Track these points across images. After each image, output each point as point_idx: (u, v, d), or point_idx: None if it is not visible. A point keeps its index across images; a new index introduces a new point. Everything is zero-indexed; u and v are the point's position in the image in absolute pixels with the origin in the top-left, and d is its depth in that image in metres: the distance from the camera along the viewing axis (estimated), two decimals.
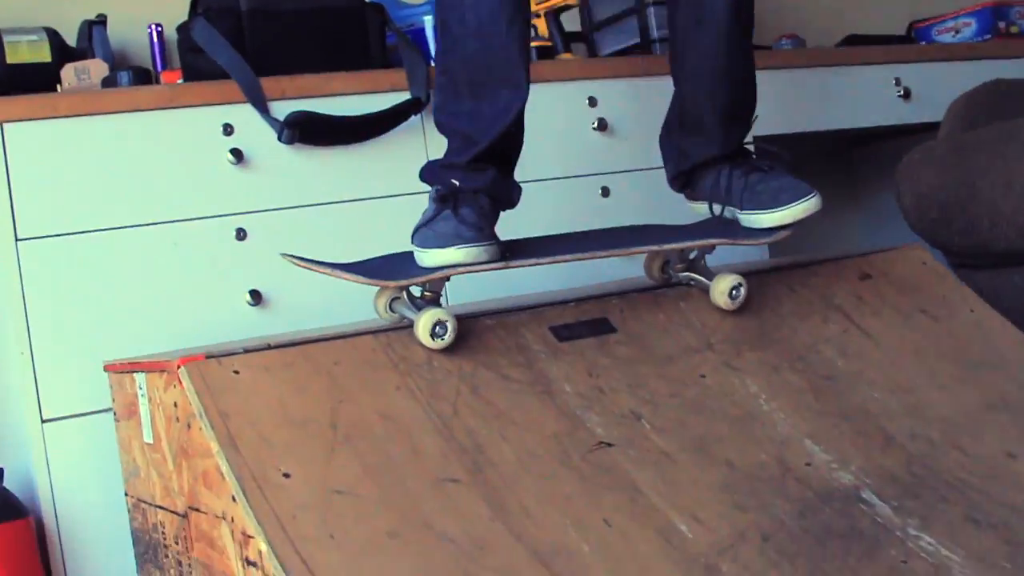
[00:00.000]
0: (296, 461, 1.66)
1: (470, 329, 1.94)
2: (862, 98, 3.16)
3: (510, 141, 2.09)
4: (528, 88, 2.06)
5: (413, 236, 1.98)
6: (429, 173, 2.10)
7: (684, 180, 2.29)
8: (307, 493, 1.62)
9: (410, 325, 1.91)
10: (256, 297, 2.38)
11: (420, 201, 2.07)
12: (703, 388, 1.98)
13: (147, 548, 2.07)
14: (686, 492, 1.77)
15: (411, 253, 1.98)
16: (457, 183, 2.00)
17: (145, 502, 2.03)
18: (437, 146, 2.15)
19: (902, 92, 3.20)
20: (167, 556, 1.96)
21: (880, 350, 2.15)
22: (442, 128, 2.11)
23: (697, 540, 1.69)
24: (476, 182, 2.02)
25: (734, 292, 2.11)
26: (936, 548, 1.74)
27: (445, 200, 1.98)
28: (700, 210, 2.28)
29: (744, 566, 1.66)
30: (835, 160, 3.78)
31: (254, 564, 1.59)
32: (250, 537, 1.59)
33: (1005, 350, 2.23)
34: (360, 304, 2.07)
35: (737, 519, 1.74)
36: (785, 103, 2.99)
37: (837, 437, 1.94)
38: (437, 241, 1.93)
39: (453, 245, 1.92)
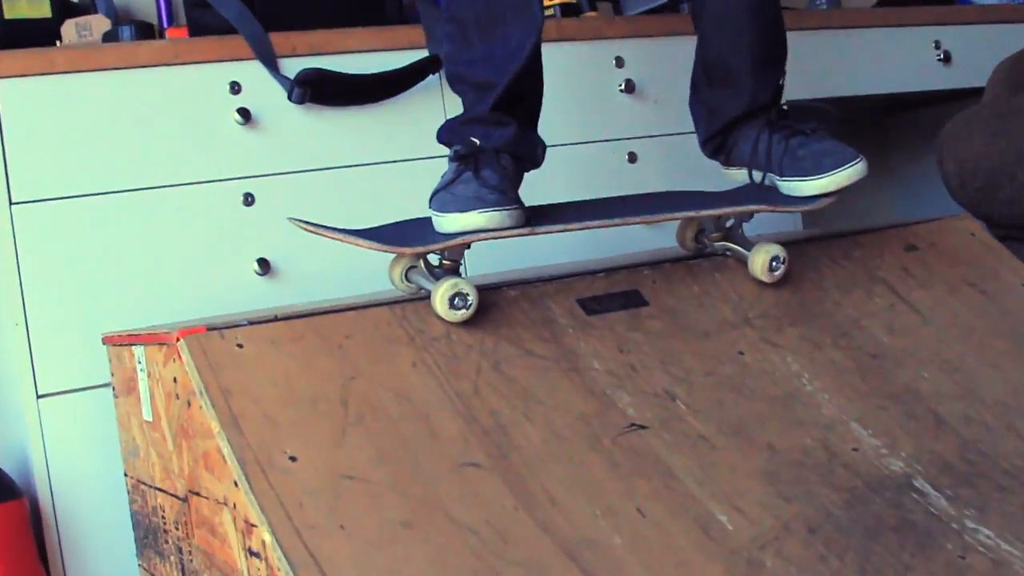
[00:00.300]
0: (303, 443, 1.55)
1: (492, 301, 1.84)
2: (900, 62, 3.08)
3: (528, 84, 1.98)
4: (542, 19, 1.96)
5: (431, 200, 1.87)
6: (448, 132, 1.99)
7: (717, 144, 2.17)
8: (315, 478, 1.52)
9: (427, 296, 1.80)
10: (264, 266, 2.29)
11: (438, 166, 1.97)
12: (741, 366, 1.86)
13: (147, 532, 1.98)
14: (725, 479, 1.66)
15: (429, 219, 1.88)
16: (478, 141, 1.89)
17: (145, 484, 1.94)
18: (455, 107, 2.06)
19: (942, 56, 3.11)
20: (167, 542, 1.87)
21: (929, 326, 2.04)
22: (455, 82, 2.01)
23: (738, 532, 1.58)
24: (497, 139, 1.91)
25: (774, 264, 1.99)
26: (995, 542, 1.63)
27: (465, 160, 1.87)
28: (737, 177, 2.16)
29: (789, 561, 1.55)
30: (867, 128, 3.68)
31: (257, 555, 1.49)
32: (253, 526, 1.48)
33: None
34: (374, 274, 1.98)
35: (781, 509, 1.63)
36: (819, 66, 2.91)
37: (886, 420, 1.83)
38: (457, 205, 1.82)
39: (474, 209, 1.81)
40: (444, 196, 1.85)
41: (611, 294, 1.92)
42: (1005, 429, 1.86)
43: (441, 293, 1.77)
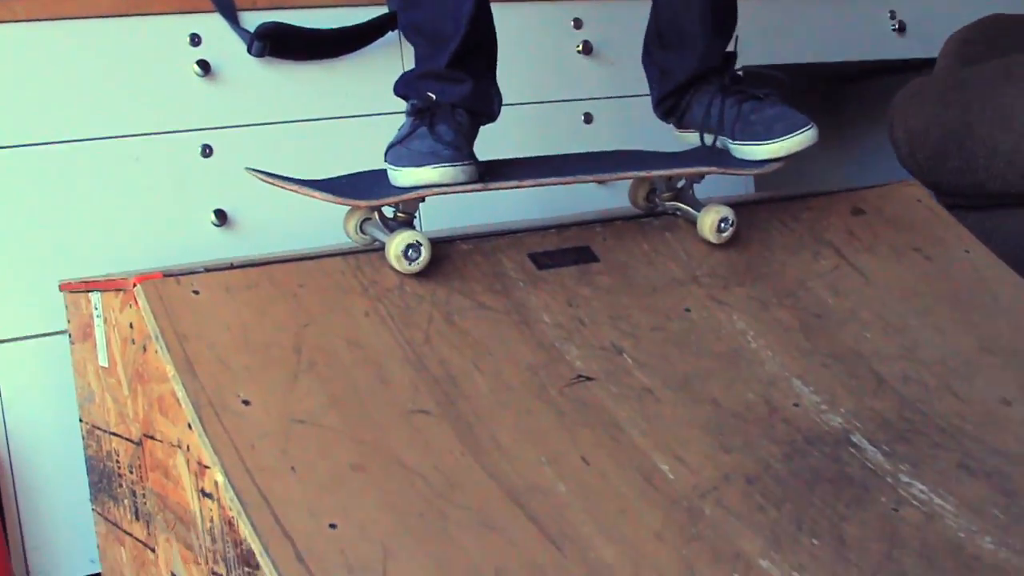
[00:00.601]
0: (257, 388, 1.57)
1: (445, 254, 1.86)
2: (854, 31, 3.10)
3: (481, 33, 1.99)
4: None
5: (387, 153, 1.89)
6: (403, 85, 2.01)
7: (670, 106, 2.19)
8: (267, 422, 1.54)
9: (381, 248, 1.82)
10: (221, 217, 2.31)
11: (396, 121, 1.98)
12: (688, 322, 1.89)
13: (101, 477, 2.00)
14: (669, 431, 1.69)
15: (384, 171, 1.89)
16: (434, 96, 1.91)
17: (100, 429, 1.96)
18: (413, 64, 2.06)
19: (896, 26, 3.13)
20: (121, 486, 1.89)
21: (872, 288, 2.07)
22: (409, 31, 2.03)
23: (679, 481, 1.61)
24: (453, 94, 1.93)
25: (722, 225, 2.02)
26: (928, 496, 1.67)
27: (421, 115, 1.89)
28: (689, 140, 2.19)
29: (728, 510, 1.59)
30: (822, 96, 3.71)
31: (210, 496, 1.51)
32: (206, 467, 1.51)
33: (1000, 292, 2.15)
34: (330, 226, 2.00)
35: (721, 460, 1.67)
36: (772, 33, 2.94)
37: (827, 378, 1.86)
38: (412, 160, 1.84)
39: (429, 164, 1.83)
40: (399, 150, 1.87)
41: (562, 250, 1.94)
42: (943, 389, 1.90)
43: (395, 245, 1.79)
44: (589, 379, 1.74)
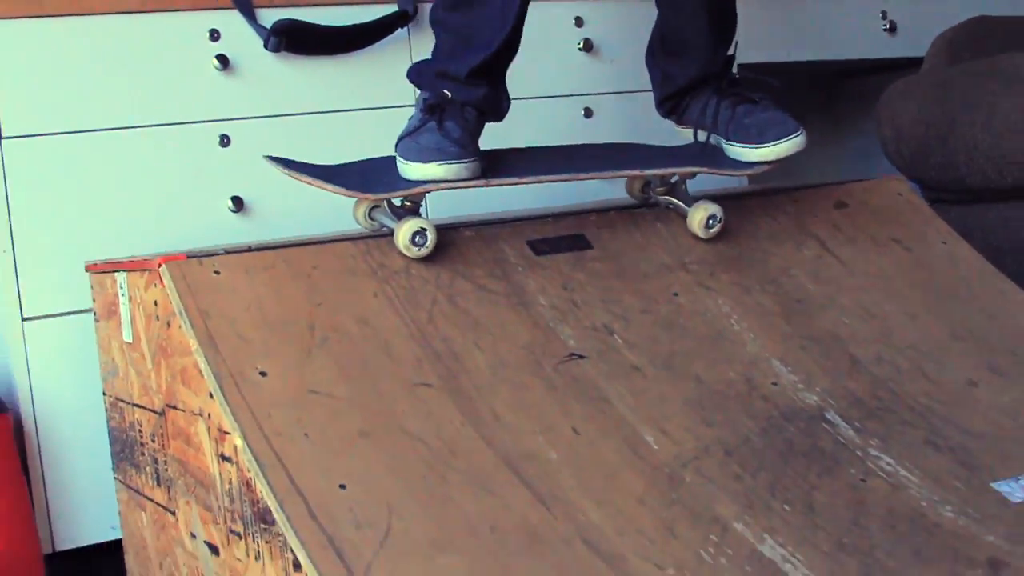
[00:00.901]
0: (273, 361, 1.69)
1: (449, 240, 1.97)
2: (846, 30, 3.16)
3: (511, 49, 2.07)
4: None
5: (397, 144, 1.99)
6: (418, 75, 2.09)
7: (671, 106, 2.29)
8: (283, 392, 1.65)
9: (390, 233, 1.93)
10: (238, 204, 2.39)
11: (403, 114, 2.08)
12: (676, 306, 2.00)
13: (123, 447, 2.11)
14: (654, 405, 1.81)
15: (393, 159, 1.99)
16: (449, 94, 2.00)
17: (123, 401, 2.06)
18: (422, 57, 2.15)
19: (888, 25, 3.20)
20: (143, 454, 1.99)
21: (852, 277, 2.18)
22: (439, 27, 2.09)
23: (662, 451, 1.73)
24: (467, 96, 2.02)
25: (710, 221, 2.12)
26: (895, 468, 1.78)
27: (432, 110, 1.98)
28: (687, 136, 2.27)
29: (707, 478, 1.70)
30: (819, 92, 3.78)
31: (229, 459, 1.63)
32: (226, 433, 1.62)
33: (973, 282, 2.25)
34: (342, 213, 2.09)
35: (702, 433, 1.78)
36: (766, 32, 2.99)
37: (805, 359, 1.97)
38: (419, 155, 1.94)
39: (435, 160, 1.93)
40: (408, 144, 1.96)
41: (559, 237, 2.04)
42: (915, 371, 2.01)
43: (403, 231, 1.89)
44: (581, 357, 1.86)
